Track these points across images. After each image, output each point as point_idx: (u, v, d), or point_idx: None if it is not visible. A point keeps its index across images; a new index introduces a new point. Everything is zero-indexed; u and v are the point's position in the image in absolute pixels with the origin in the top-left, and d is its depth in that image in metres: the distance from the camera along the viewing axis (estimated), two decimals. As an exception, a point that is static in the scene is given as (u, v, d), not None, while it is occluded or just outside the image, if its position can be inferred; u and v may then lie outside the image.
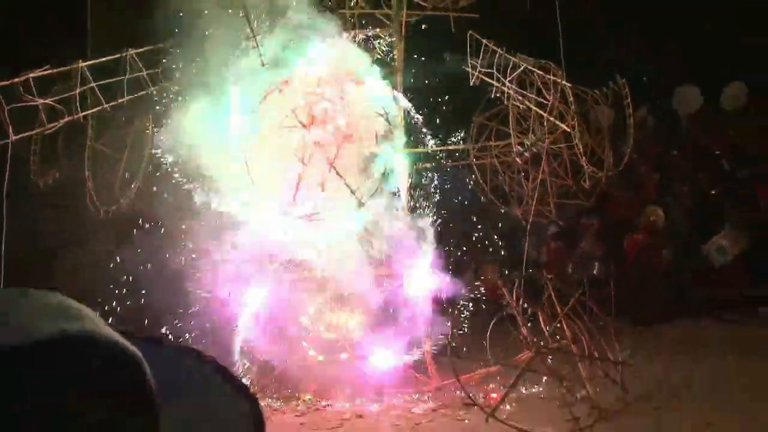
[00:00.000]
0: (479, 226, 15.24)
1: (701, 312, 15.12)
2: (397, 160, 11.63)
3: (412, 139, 12.20)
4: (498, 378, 11.22)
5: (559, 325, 10.59)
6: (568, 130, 10.93)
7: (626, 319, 15.11)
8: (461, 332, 12.45)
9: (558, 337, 10.59)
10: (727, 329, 14.29)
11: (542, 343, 10.24)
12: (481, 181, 13.17)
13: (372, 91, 11.46)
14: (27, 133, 10.36)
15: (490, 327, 10.69)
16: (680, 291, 15.62)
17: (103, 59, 11.19)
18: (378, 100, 11.44)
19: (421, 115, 12.25)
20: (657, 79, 18.22)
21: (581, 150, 11.40)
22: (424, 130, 12.34)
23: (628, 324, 14.84)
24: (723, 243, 15.63)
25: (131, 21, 12.01)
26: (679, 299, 15.49)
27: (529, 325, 10.99)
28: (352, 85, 11.37)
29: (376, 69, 11.61)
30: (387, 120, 11.27)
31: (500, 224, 15.06)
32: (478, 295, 13.41)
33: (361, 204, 11.07)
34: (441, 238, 12.56)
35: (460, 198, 14.25)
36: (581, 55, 14.04)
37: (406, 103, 12.04)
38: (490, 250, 15.71)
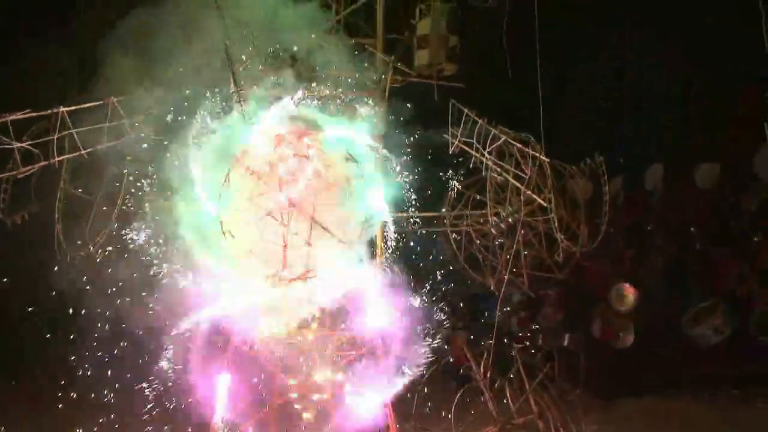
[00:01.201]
0: (451, 294, 15.18)
1: (680, 387, 15.11)
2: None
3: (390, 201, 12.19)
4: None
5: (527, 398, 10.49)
6: (544, 204, 10.98)
7: (596, 391, 15.14)
8: (427, 402, 12.26)
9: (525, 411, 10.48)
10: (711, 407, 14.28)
11: (508, 418, 10.11)
12: (455, 249, 13.15)
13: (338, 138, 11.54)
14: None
15: (456, 399, 10.51)
16: (652, 365, 15.61)
17: (85, 105, 11.09)
18: (345, 144, 11.53)
19: (399, 175, 12.27)
20: (631, 156, 18.48)
21: (556, 224, 11.45)
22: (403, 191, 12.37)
23: (596, 396, 14.84)
24: (716, 323, 15.69)
25: (117, 68, 11.96)
26: (650, 373, 15.48)
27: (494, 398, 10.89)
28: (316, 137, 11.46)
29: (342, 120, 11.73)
30: (354, 160, 11.34)
31: (472, 292, 15.00)
32: (446, 364, 13.28)
33: (349, 245, 11.12)
34: (414, 302, 12.54)
35: (433, 264, 14.18)
36: (562, 128, 14.28)
37: (380, 150, 12.02)
38: (461, 318, 15.65)
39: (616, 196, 18.24)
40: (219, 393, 11.72)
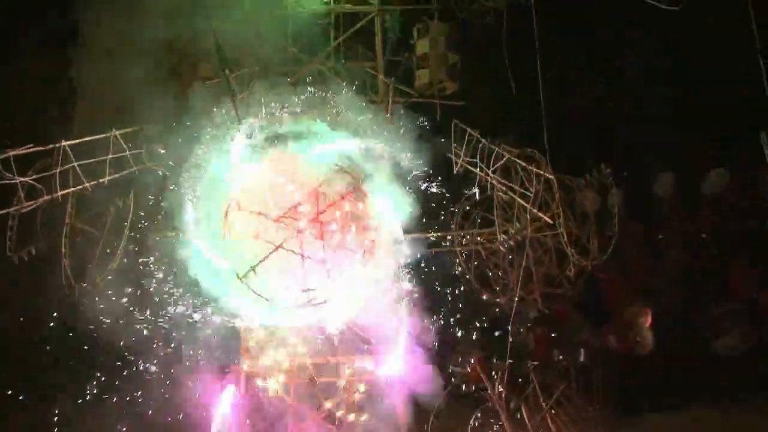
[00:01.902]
0: (465, 312, 15.03)
1: (701, 398, 14.83)
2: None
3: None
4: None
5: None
6: (550, 222, 10.85)
7: (614, 407, 14.88)
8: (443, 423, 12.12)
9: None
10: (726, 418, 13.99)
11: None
12: (465, 268, 13.02)
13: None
14: (2, 211, 10.15)
15: (472, 421, 10.35)
16: (671, 377, 15.35)
17: (88, 138, 11.07)
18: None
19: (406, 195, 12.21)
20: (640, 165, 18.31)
21: (566, 239, 11.31)
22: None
23: (614, 412, 14.60)
24: (737, 331, 15.46)
25: (117, 101, 11.98)
26: (669, 385, 15.21)
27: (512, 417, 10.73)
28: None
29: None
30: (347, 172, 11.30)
31: (485, 311, 14.81)
32: (462, 385, 13.12)
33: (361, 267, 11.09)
34: (427, 323, 12.46)
35: (445, 284, 14.06)
36: (567, 140, 14.17)
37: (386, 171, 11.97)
38: (474, 337, 15.46)
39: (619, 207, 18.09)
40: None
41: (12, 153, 9.95)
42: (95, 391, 13.20)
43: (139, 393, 12.74)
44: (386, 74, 12.56)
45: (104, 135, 11.15)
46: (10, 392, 14.44)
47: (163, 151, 11.97)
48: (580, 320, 16.60)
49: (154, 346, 12.26)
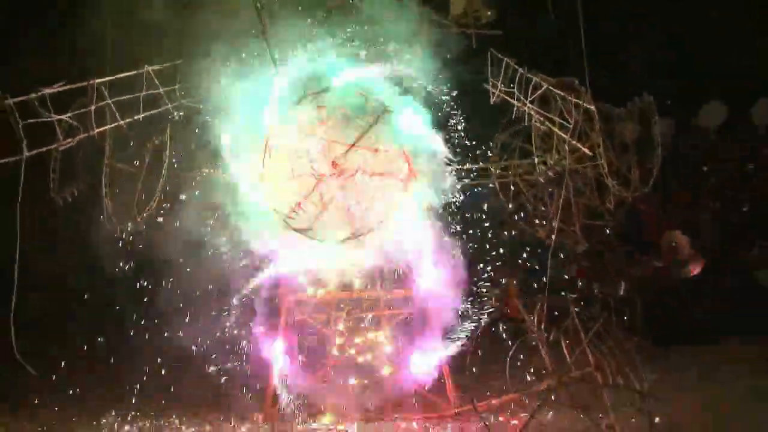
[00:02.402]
0: (504, 245, 14.94)
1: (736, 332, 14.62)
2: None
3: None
4: (513, 406, 11.01)
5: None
6: (589, 153, 10.59)
7: (655, 339, 14.80)
8: (481, 355, 12.17)
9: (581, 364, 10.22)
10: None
11: (565, 371, 9.88)
12: (504, 200, 12.87)
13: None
14: (40, 149, 10.17)
15: (510, 353, 10.33)
16: (709, 311, 15.16)
17: (120, 75, 11.05)
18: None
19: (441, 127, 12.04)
20: (683, 95, 17.77)
21: (606, 170, 11.07)
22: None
23: (655, 344, 14.53)
24: None
25: (149, 38, 11.90)
26: (708, 319, 15.02)
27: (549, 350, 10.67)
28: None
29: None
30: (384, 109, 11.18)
31: (524, 244, 14.68)
32: (501, 317, 13.14)
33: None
34: (465, 257, 12.35)
35: (484, 217, 13.94)
36: (607, 69, 13.75)
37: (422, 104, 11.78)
38: (515, 269, 15.40)
39: (666, 137, 17.64)
40: (275, 356, 11.86)
41: (47, 91, 9.94)
42: (141, 327, 13.49)
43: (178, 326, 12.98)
44: (420, 3, 12.19)
45: (137, 72, 11.12)
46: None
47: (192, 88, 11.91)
48: (621, 252, 16.47)
49: (196, 281, 12.40)
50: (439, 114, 11.81)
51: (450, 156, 11.76)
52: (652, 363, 12.20)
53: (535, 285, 14.18)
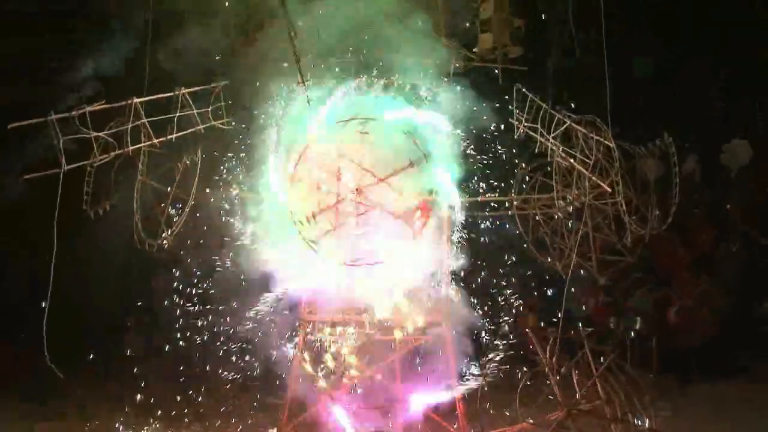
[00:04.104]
0: (520, 277, 15.13)
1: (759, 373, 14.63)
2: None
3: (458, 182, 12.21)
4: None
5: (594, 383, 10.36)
6: (608, 189, 10.78)
7: (673, 376, 14.85)
8: (493, 384, 12.33)
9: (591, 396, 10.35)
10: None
11: (575, 403, 10.02)
12: (523, 232, 13.07)
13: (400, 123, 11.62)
14: (78, 164, 10.59)
15: (522, 383, 10.49)
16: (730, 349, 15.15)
17: (156, 96, 11.49)
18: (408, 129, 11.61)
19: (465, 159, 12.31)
20: (706, 134, 17.88)
21: (624, 207, 11.24)
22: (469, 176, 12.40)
23: (670, 381, 14.58)
24: None
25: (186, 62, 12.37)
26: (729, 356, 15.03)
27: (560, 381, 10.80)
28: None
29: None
30: (416, 145, 11.43)
31: (542, 276, 14.85)
32: (515, 347, 13.30)
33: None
34: (482, 287, 12.56)
35: (502, 248, 14.15)
36: (629, 107, 13.95)
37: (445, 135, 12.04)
38: (530, 301, 15.56)
39: (693, 173, 17.77)
40: (291, 373, 12.11)
41: (88, 109, 10.39)
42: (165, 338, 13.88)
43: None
44: (449, 38, 12.52)
45: (171, 93, 11.54)
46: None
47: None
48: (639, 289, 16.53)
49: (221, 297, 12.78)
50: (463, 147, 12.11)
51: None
52: (672, 398, 12.38)
53: (554, 318, 14.35)
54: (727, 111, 17.89)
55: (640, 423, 10.05)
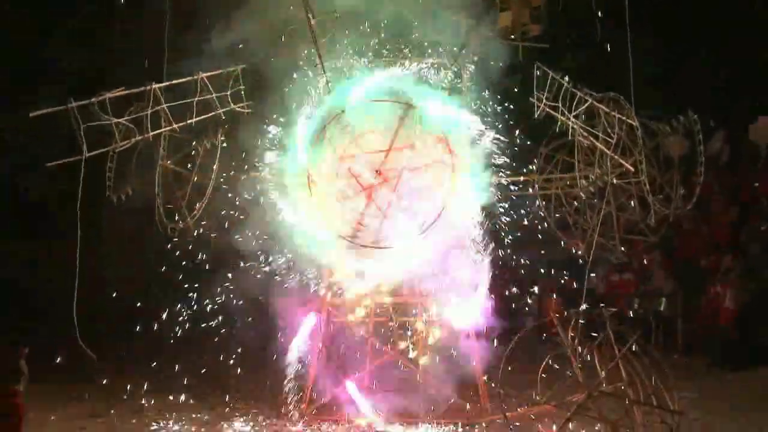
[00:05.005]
0: (544, 257, 15.02)
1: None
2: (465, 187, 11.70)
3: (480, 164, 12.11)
4: (547, 419, 11.11)
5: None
6: (631, 169, 10.62)
7: (696, 358, 14.69)
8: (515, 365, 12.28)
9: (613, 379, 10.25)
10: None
11: (596, 385, 9.92)
12: (545, 213, 12.94)
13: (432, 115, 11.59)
14: (99, 150, 10.68)
15: (543, 365, 10.41)
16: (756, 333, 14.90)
17: (175, 81, 11.51)
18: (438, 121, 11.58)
19: (490, 139, 12.20)
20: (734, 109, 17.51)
21: (647, 187, 11.08)
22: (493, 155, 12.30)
23: (694, 364, 14.45)
24: None
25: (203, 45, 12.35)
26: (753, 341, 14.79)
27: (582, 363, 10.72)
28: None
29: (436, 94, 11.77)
30: (446, 141, 11.41)
31: (565, 256, 14.69)
32: (538, 328, 13.24)
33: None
34: (504, 268, 12.46)
35: (526, 228, 14.01)
36: (653, 83, 13.71)
37: (473, 125, 11.99)
38: (554, 281, 15.43)
39: (720, 153, 17.46)
40: (313, 361, 12.20)
41: (108, 95, 10.46)
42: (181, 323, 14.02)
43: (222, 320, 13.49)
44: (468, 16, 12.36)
45: (190, 78, 11.56)
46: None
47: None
48: (663, 270, 16.33)
49: (237, 282, 12.86)
50: (484, 125, 12.02)
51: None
52: (693, 381, 12.26)
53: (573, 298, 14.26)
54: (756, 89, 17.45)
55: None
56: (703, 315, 15.12)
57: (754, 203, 17.02)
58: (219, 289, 13.52)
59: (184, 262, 13.64)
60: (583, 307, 10.55)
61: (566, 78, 11.43)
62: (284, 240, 11.84)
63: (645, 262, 16.76)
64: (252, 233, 12.36)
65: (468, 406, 12.13)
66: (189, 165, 12.52)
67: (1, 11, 18.93)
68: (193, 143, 12.42)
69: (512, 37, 12.43)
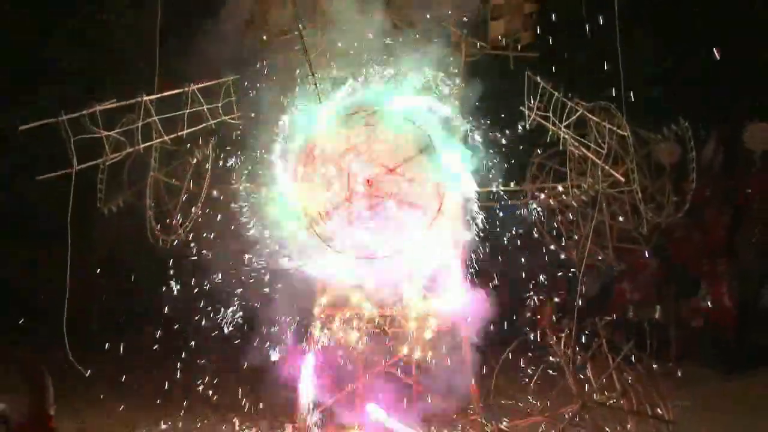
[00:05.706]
0: (536, 267, 14.99)
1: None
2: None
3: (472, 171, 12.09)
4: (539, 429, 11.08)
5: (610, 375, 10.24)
6: (622, 180, 10.62)
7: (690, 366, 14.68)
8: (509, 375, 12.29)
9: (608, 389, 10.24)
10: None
11: (590, 396, 9.92)
12: (537, 222, 12.94)
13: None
14: (89, 163, 10.61)
15: (536, 375, 10.40)
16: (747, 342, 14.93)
17: (166, 93, 11.46)
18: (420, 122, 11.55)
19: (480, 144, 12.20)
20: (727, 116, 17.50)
21: (639, 195, 11.07)
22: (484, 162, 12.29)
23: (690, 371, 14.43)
24: None
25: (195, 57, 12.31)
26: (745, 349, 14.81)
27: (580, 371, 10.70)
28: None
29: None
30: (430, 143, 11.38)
31: (559, 265, 14.68)
32: (532, 338, 13.19)
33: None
34: (497, 277, 12.45)
35: (517, 237, 14.01)
36: (644, 91, 13.72)
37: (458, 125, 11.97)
38: (548, 290, 15.41)
39: (712, 159, 17.48)
40: (304, 374, 12.13)
41: (99, 108, 10.40)
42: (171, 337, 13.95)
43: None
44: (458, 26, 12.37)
45: (180, 90, 11.51)
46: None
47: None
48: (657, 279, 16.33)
49: (234, 292, 12.80)
50: (474, 137, 12.00)
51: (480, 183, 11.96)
52: (686, 389, 12.25)
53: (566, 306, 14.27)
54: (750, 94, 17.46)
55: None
56: (697, 321, 15.09)
57: (748, 208, 17.03)
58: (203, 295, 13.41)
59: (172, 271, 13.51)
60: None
61: (556, 87, 11.40)
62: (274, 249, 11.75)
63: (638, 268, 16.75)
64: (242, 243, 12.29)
65: (458, 417, 12.06)
66: (175, 180, 12.39)
67: (1, 11, 18.77)
68: (184, 155, 12.30)
69: (503, 45, 12.35)
